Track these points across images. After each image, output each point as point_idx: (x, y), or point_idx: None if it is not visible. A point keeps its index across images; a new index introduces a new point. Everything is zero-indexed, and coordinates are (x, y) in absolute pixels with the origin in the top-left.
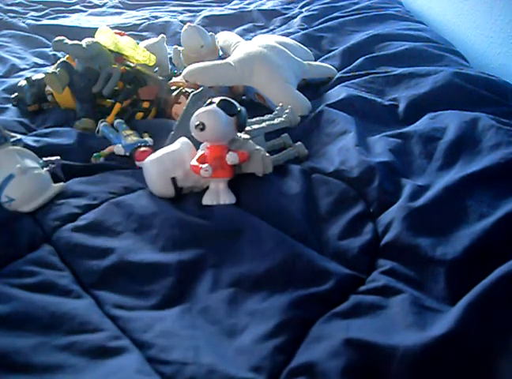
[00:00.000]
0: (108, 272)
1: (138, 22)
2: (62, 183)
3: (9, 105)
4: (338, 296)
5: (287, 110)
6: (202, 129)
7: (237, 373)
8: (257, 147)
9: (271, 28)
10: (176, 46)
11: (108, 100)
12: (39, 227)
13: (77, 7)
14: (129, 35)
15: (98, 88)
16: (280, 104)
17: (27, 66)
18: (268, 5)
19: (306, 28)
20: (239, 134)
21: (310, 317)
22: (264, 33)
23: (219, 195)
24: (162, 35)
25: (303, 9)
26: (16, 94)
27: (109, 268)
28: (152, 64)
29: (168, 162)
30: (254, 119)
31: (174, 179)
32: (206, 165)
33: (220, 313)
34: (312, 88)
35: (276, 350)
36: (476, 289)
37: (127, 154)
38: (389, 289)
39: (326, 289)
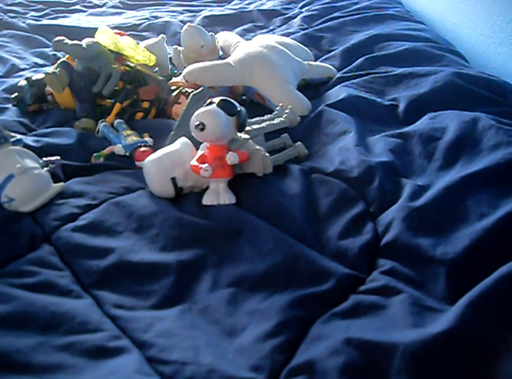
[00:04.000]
0: (108, 272)
1: (138, 22)
2: (61, 183)
3: (9, 105)
4: (338, 296)
5: (287, 110)
6: (202, 129)
7: (237, 373)
8: (257, 147)
9: (271, 28)
10: (176, 46)
11: (108, 100)
12: (39, 226)
13: (77, 7)
14: (129, 35)
15: (98, 88)
16: (280, 104)
17: (27, 66)
18: (268, 5)
19: (306, 28)
20: (239, 134)
21: (310, 317)
22: (264, 33)
23: (219, 195)
24: (162, 35)
25: (303, 9)
26: (16, 94)
27: (109, 268)
28: (152, 64)
29: (168, 162)
30: (254, 119)
31: (174, 179)
32: (206, 165)
33: (219, 312)
34: (312, 88)
35: (275, 349)
36: (477, 288)
37: (127, 154)
38: (389, 289)
39: (326, 289)
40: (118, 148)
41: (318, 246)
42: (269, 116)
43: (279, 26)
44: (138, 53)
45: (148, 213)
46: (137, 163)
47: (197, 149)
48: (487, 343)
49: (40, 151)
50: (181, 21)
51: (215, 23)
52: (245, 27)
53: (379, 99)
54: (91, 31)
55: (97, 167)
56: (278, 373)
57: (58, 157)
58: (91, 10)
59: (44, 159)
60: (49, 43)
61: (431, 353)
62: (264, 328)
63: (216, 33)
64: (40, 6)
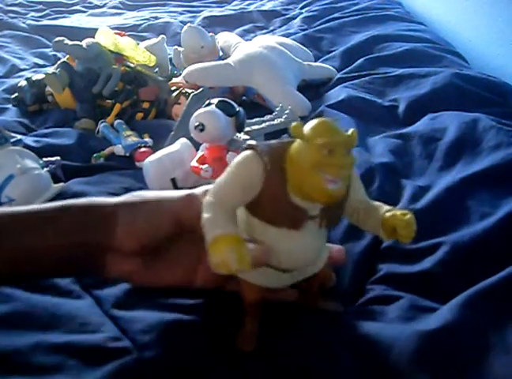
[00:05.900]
0: None
1: (138, 23)
2: (62, 183)
3: (9, 105)
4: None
5: (287, 111)
6: (202, 130)
7: None
8: None
9: (271, 28)
10: (176, 47)
11: (108, 101)
12: None
13: (78, 7)
14: (129, 35)
15: (98, 89)
16: (280, 105)
17: (27, 67)
18: (268, 6)
19: (306, 29)
20: (238, 135)
21: None
22: (264, 34)
23: None
24: (162, 35)
25: (303, 10)
26: (16, 94)
27: None
28: (152, 64)
29: (168, 163)
30: (254, 120)
31: (173, 180)
32: (206, 166)
33: None
34: (312, 89)
35: None
36: (474, 287)
37: (127, 154)
38: (388, 296)
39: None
40: (118, 149)
41: None
42: (269, 117)
43: (279, 27)
44: (138, 53)
45: None
46: (137, 164)
47: (197, 150)
48: (481, 341)
49: (40, 152)
50: (181, 22)
51: (215, 23)
52: (245, 27)
53: (379, 100)
54: (91, 32)
55: (97, 168)
56: None
57: (58, 157)
58: (91, 11)
59: (44, 159)
60: (49, 43)
61: (424, 350)
62: None
63: (216, 34)
64: (40, 7)
